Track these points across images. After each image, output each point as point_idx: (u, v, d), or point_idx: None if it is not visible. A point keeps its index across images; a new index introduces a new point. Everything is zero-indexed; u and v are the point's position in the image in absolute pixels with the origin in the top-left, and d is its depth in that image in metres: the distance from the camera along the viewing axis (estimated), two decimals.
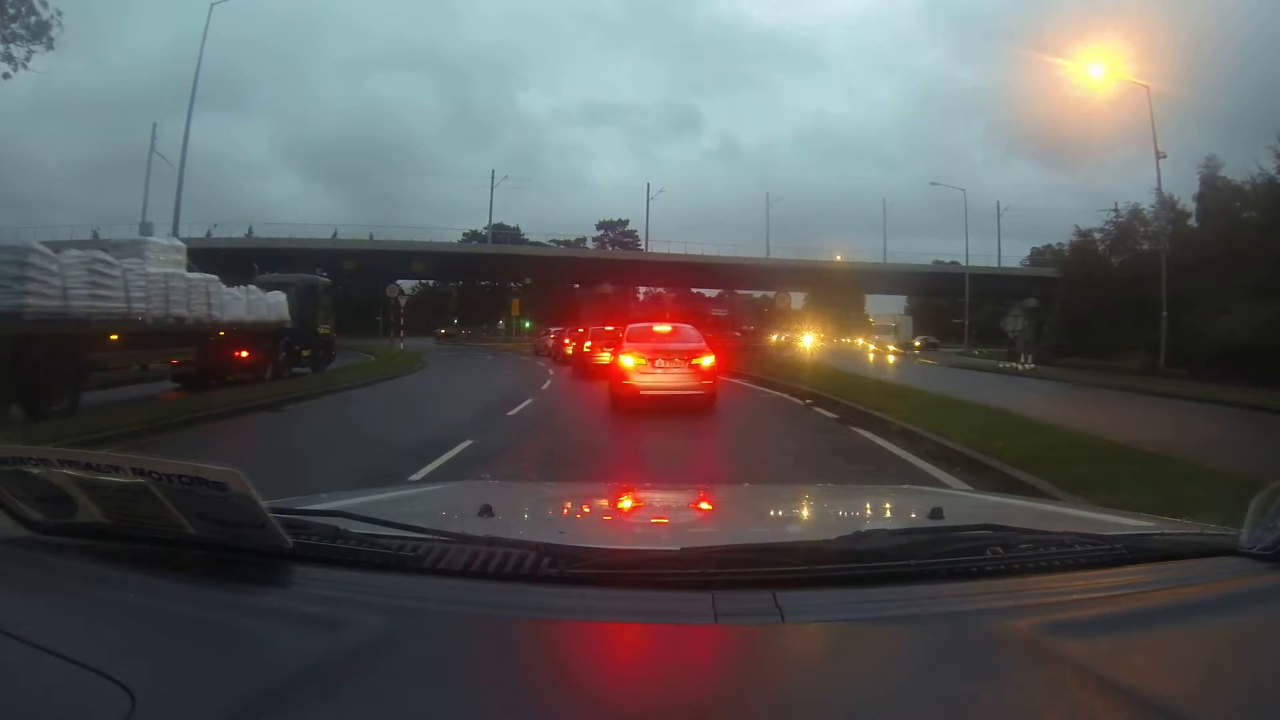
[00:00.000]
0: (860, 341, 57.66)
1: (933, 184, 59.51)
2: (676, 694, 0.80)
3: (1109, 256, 32.92)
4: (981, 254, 56.13)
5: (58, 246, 11.79)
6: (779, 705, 0.78)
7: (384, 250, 49.15)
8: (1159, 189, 28.94)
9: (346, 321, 34.72)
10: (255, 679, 0.79)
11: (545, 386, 17.74)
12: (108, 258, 11.99)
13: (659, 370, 11.62)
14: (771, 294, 58.90)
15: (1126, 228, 32.74)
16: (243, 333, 15.76)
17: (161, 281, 13.15)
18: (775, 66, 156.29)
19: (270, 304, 17.18)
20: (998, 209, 58.75)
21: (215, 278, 15.19)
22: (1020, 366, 28.39)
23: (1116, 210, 33.29)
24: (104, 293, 11.58)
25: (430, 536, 1.13)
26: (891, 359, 38.94)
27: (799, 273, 45.10)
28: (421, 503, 1.93)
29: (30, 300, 10.22)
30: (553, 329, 46.12)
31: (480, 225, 59.40)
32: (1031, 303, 45.12)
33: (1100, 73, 28.28)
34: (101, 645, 0.86)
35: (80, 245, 14.01)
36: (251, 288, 16.86)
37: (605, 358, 16.50)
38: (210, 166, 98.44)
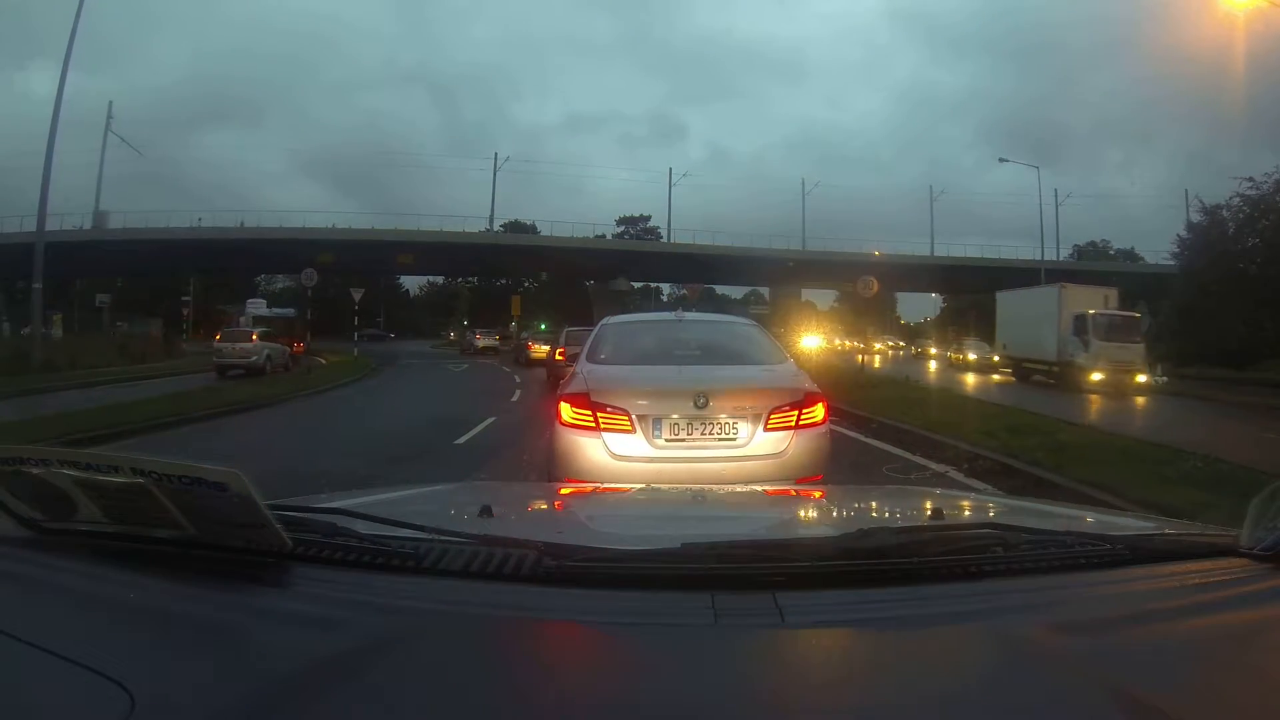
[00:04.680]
0: (934, 350, 44.39)
1: (1001, 160, 54.44)
2: (676, 695, 0.79)
3: (1243, 240, 25.14)
4: (994, 254, 50.80)
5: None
6: (779, 706, 0.78)
7: (363, 241, 44.39)
8: None
9: (342, 322, 35.53)
10: (255, 679, 0.79)
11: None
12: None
13: (671, 449, 4.04)
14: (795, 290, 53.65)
15: (1267, 203, 24.29)
16: (296, 338, 29.03)
17: (285, 319, 36.30)
18: (788, 71, 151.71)
19: (302, 320, 33.22)
20: (1056, 198, 52.70)
21: (293, 311, 35.62)
22: (1154, 380, 21.57)
23: (1253, 181, 24.75)
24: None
25: (430, 536, 1.12)
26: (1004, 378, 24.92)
27: (845, 266, 39.75)
28: (421, 503, 1.89)
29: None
30: (479, 329, 43.57)
31: (496, 228, 53.74)
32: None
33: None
34: (101, 645, 0.86)
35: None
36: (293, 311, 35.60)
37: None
38: (221, 171, 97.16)
